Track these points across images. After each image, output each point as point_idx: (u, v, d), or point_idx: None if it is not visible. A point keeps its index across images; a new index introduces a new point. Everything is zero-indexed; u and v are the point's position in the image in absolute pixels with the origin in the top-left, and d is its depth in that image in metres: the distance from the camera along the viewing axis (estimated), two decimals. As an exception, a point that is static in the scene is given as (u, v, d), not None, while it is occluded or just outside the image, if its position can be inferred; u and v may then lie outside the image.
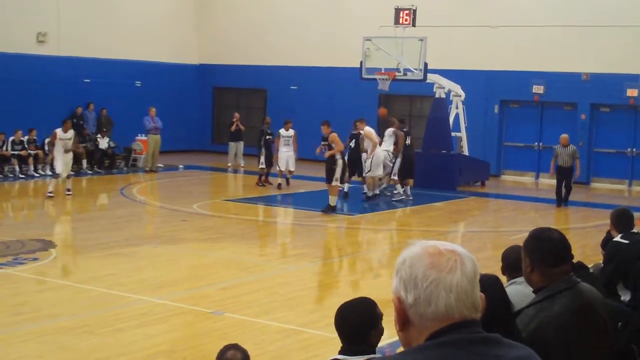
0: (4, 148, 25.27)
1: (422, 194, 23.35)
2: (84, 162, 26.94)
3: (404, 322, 2.31)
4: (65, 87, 28.78)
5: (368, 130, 21.53)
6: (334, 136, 19.37)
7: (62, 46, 29.16)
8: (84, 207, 20.95)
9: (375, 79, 25.00)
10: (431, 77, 24.79)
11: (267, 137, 24.53)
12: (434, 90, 25.27)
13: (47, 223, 18.02)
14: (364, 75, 25.58)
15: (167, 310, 10.94)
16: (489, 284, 3.77)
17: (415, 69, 24.29)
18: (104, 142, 27.80)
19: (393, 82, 24.85)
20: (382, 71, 24.75)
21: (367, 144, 21.56)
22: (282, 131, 23.88)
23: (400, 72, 24.64)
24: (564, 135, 21.98)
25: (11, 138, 25.35)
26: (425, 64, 24.17)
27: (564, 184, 21.61)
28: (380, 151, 21.57)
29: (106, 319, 10.49)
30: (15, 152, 25.35)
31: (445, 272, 2.28)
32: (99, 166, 27.48)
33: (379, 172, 21.64)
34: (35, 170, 25.67)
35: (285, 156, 23.58)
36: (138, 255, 14.45)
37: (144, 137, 28.68)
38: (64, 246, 14.72)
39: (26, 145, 25.76)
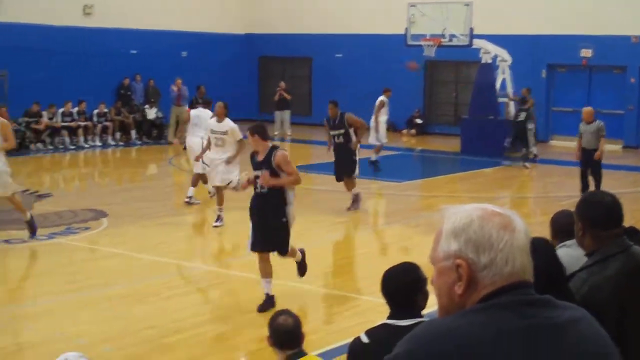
0: (54, 120, 25.63)
1: (469, 160, 23.26)
2: (133, 132, 27.24)
3: (468, 285, 2.25)
4: (112, 58, 29.01)
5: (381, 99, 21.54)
6: (351, 117, 15.86)
7: (108, 18, 29.37)
8: (133, 177, 21.24)
9: (420, 46, 24.87)
10: (477, 43, 24.58)
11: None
12: (480, 55, 25.06)
13: (98, 193, 18.25)
14: (409, 42, 25.45)
15: (215, 278, 11.12)
16: (541, 245, 3.77)
17: (461, 35, 24.10)
18: (151, 113, 28.06)
19: (438, 48, 24.71)
20: (428, 37, 24.61)
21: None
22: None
23: (445, 38, 24.48)
24: (588, 109, 17.23)
25: (61, 110, 25.71)
26: (471, 29, 23.99)
27: (590, 172, 16.90)
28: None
29: (157, 287, 10.67)
30: (65, 124, 25.71)
31: (515, 233, 2.26)
32: (147, 136, 27.75)
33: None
34: (85, 141, 26.04)
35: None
36: (187, 224, 14.63)
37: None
38: (115, 215, 14.91)
39: (76, 117, 26.12)
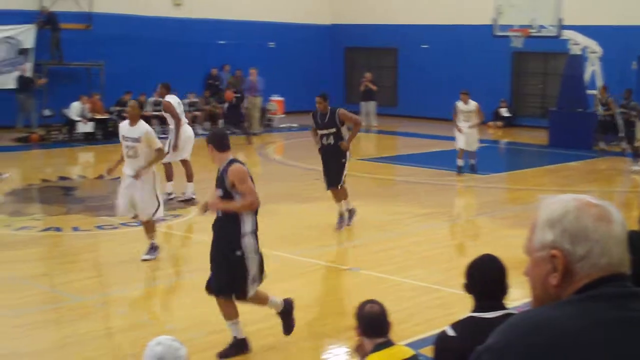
0: (145, 109, 26.19)
1: (557, 153, 22.98)
2: (221, 122, 27.64)
3: (564, 276, 2.22)
4: (201, 49, 29.50)
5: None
6: (344, 113, 13.48)
7: (197, 9, 29.86)
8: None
9: (507, 37, 24.63)
10: (566, 34, 24.22)
11: None
12: (569, 47, 24.67)
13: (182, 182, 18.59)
14: (497, 33, 25.23)
15: (303, 266, 11.23)
16: (638, 238, 3.74)
17: (550, 26, 23.79)
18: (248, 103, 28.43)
19: (526, 39, 24.43)
20: (516, 28, 24.36)
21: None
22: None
23: (534, 28, 24.20)
24: None
25: (151, 99, 26.25)
26: (560, 20, 23.65)
27: None
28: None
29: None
30: (155, 113, 26.23)
31: (612, 224, 2.22)
32: (235, 126, 28.10)
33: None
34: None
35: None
36: (275, 213, 14.79)
37: (278, 98, 29.24)
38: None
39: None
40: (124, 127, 11.27)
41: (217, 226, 7.80)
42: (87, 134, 24.67)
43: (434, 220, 14.76)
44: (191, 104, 27.25)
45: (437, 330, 4.60)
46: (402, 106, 32.25)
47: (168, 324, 8.68)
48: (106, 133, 25.03)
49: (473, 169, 19.17)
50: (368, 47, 34.00)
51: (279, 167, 21.35)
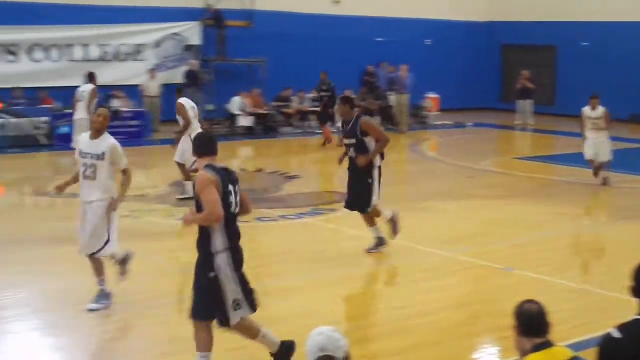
0: (303, 104, 26.77)
1: None
2: (377, 119, 27.84)
3: None
4: (358, 46, 29.81)
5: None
6: (367, 123, 11.31)
7: (355, 6, 30.19)
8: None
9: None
10: None
11: None
12: None
13: (341, 176, 18.86)
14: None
15: (457, 265, 11.22)
16: None
17: None
18: (393, 100, 28.55)
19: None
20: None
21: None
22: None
23: None
24: None
25: (310, 95, 26.77)
26: None
27: None
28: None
29: (400, 270, 10.98)
30: (313, 109, 26.73)
31: None
32: (391, 123, 28.27)
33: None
34: (332, 125, 26.94)
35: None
36: (429, 210, 14.85)
37: (433, 95, 29.23)
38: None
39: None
40: (83, 140, 8.99)
41: (196, 246, 6.84)
42: (247, 128, 25.40)
43: (593, 222, 14.44)
44: (347, 101, 27.57)
45: (596, 334, 4.58)
46: (560, 105, 31.56)
47: (323, 315, 8.87)
48: (266, 128, 25.73)
49: (606, 183, 17.23)
50: (526, 45, 33.42)
51: (434, 164, 21.38)
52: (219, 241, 6.63)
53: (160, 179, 17.88)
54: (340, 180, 16.99)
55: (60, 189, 9.16)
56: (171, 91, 25.65)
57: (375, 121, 27.25)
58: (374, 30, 30.68)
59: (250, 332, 7.05)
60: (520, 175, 18.99)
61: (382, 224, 11.62)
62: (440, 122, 29.18)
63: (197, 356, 6.86)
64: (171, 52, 26.98)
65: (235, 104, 25.54)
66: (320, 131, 24.50)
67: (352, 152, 11.22)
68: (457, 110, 31.73)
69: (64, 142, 20.19)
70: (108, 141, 8.76)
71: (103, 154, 8.66)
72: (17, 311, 9.02)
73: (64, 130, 21.10)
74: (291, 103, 26.62)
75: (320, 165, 21.39)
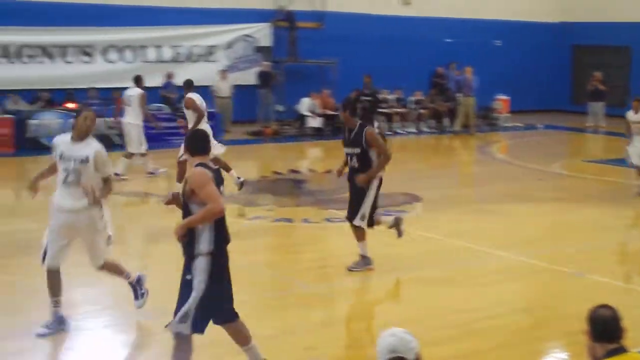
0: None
1: None
2: (445, 120, 27.78)
3: None
4: (428, 47, 29.76)
5: None
6: (372, 135, 10.47)
7: (425, 7, 30.14)
8: (446, 164, 21.79)
9: None
10: None
11: None
12: None
13: (412, 178, 18.82)
14: None
15: (525, 268, 11.15)
16: None
17: None
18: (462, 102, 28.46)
19: None
20: None
21: None
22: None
23: None
24: None
25: (379, 96, 26.82)
26: None
27: None
28: None
29: (467, 273, 10.92)
30: (382, 110, 26.79)
31: None
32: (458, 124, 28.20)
33: None
34: (401, 127, 27.03)
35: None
36: (498, 212, 14.77)
37: (503, 97, 29.04)
38: (429, 200, 15.42)
39: (391, 104, 27.20)
40: (63, 142, 8.14)
41: (183, 245, 6.51)
42: (316, 129, 25.55)
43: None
44: (417, 102, 27.61)
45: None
46: (634, 107, 31.01)
47: (389, 317, 8.92)
48: (334, 129, 25.81)
49: None
50: (598, 46, 32.92)
51: (503, 166, 21.25)
52: (204, 244, 6.34)
53: (230, 178, 18.08)
54: (407, 181, 17.07)
55: (34, 189, 8.36)
56: (242, 92, 26.05)
57: (445, 123, 27.27)
58: (444, 31, 30.59)
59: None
60: (591, 178, 18.79)
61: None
62: (510, 124, 28.98)
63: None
64: (242, 53, 27.31)
65: (305, 105, 25.73)
66: None
67: (354, 162, 10.54)
68: (527, 112, 31.44)
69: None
70: (92, 145, 8.08)
71: (87, 157, 7.99)
72: (88, 308, 9.25)
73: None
74: (359, 104, 26.70)
75: (391, 166, 21.31)
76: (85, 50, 24.92)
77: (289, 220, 13.91)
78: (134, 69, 25.08)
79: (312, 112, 25.66)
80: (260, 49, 27.41)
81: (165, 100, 24.21)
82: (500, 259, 11.55)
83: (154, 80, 23.30)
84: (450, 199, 15.82)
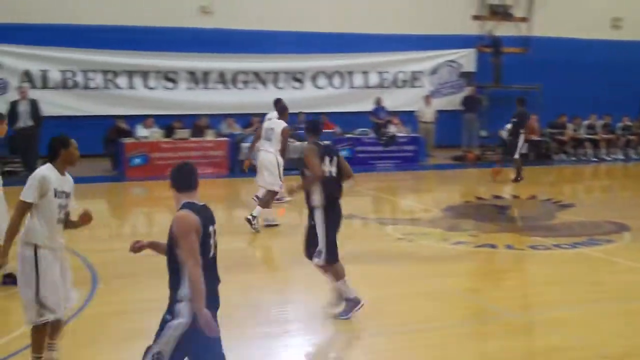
0: (578, 131, 26.28)
1: None
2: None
3: None
4: (637, 71, 28.83)
5: None
6: (305, 152, 9.55)
7: (636, 30, 29.22)
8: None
9: None
10: None
11: None
12: None
13: (620, 206, 18.31)
14: None
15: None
16: None
17: None
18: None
19: None
20: None
21: None
22: None
23: None
24: None
25: (585, 122, 26.27)
26: None
27: None
28: None
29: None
30: (588, 136, 26.19)
31: None
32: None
33: None
34: (607, 154, 26.31)
35: None
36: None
37: None
38: (638, 229, 14.95)
39: (598, 129, 26.51)
40: (54, 177, 7.28)
41: (168, 283, 5.92)
42: (520, 155, 25.18)
43: None
44: (625, 128, 26.79)
45: None
46: None
47: (601, 347, 8.75)
48: (540, 154, 25.48)
49: None
50: None
51: None
52: (183, 291, 5.67)
53: (433, 203, 18.29)
54: (614, 210, 16.59)
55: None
56: (446, 117, 26.22)
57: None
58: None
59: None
60: None
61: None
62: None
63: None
64: (446, 79, 27.51)
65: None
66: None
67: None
68: None
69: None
70: (69, 177, 7.46)
71: (70, 192, 7.43)
72: (295, 325, 9.53)
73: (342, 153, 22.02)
74: (565, 130, 26.20)
75: (597, 194, 20.92)
76: (296, 77, 25.91)
77: (493, 246, 13.85)
78: (342, 94, 25.88)
79: (516, 137, 25.35)
80: (464, 74, 27.49)
81: (375, 125, 24.70)
82: None
83: (361, 105, 24.04)
84: None
